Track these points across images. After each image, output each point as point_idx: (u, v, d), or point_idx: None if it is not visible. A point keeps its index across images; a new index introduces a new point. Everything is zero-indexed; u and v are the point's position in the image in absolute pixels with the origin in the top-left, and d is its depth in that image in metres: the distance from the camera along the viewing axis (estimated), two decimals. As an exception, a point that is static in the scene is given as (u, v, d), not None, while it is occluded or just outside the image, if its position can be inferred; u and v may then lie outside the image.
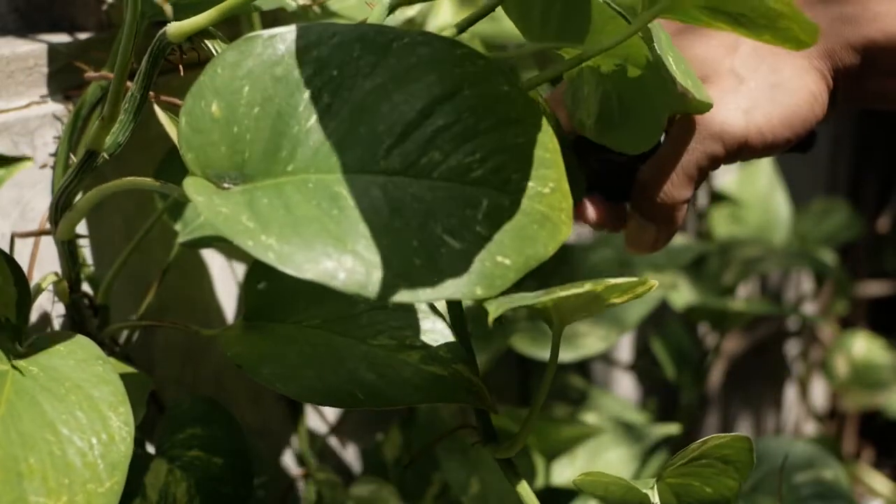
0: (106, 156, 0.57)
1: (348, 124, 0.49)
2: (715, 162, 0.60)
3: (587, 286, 0.49)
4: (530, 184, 0.50)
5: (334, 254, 0.46)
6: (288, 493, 0.87)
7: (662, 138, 0.62)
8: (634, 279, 0.50)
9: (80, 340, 0.57)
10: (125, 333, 0.72)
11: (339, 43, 0.50)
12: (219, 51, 0.55)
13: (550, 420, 0.99)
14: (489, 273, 0.48)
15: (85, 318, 0.67)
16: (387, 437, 0.93)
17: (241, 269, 0.81)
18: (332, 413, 0.92)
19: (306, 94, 0.49)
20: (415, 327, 0.58)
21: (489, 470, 0.88)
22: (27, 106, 0.66)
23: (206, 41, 0.56)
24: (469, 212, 0.49)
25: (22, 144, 0.66)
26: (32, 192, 0.67)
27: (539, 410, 0.56)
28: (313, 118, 0.49)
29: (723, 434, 0.55)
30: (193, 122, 0.49)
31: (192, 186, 0.48)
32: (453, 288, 0.47)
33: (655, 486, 0.56)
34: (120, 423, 0.53)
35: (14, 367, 0.54)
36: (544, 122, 0.51)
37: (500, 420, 0.95)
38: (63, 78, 0.68)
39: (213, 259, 0.79)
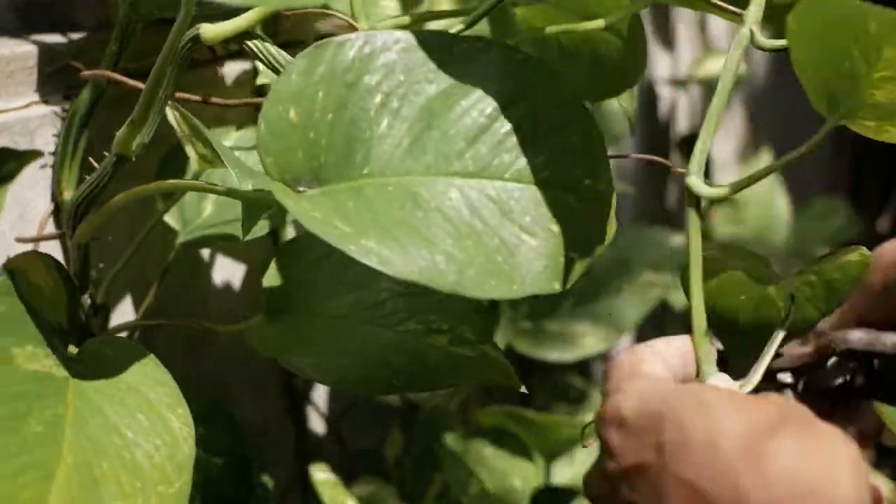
0: (133, 158, 0.57)
1: (419, 128, 0.51)
2: None
3: None
4: (588, 181, 0.53)
5: (427, 255, 0.47)
6: (288, 492, 0.87)
7: None
8: None
9: (129, 343, 0.57)
10: (125, 334, 0.72)
11: (402, 48, 0.52)
12: (262, 51, 0.57)
13: (550, 420, 0.99)
14: (564, 268, 0.50)
15: (87, 318, 0.67)
16: (387, 437, 0.92)
17: (241, 268, 0.81)
18: (332, 413, 0.92)
19: (377, 99, 0.51)
20: (438, 311, 0.59)
21: (489, 470, 0.88)
22: (27, 106, 0.66)
23: (248, 42, 0.57)
24: (541, 210, 0.51)
25: (22, 144, 0.66)
26: (33, 192, 0.67)
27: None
28: (384, 122, 0.51)
29: None
30: (272, 128, 0.50)
31: (281, 192, 0.49)
32: (535, 283, 0.49)
33: None
34: (180, 423, 0.53)
35: (74, 373, 0.53)
36: (592, 119, 0.54)
37: (500, 419, 0.95)
38: (63, 78, 0.68)
39: (212, 259, 0.79)
